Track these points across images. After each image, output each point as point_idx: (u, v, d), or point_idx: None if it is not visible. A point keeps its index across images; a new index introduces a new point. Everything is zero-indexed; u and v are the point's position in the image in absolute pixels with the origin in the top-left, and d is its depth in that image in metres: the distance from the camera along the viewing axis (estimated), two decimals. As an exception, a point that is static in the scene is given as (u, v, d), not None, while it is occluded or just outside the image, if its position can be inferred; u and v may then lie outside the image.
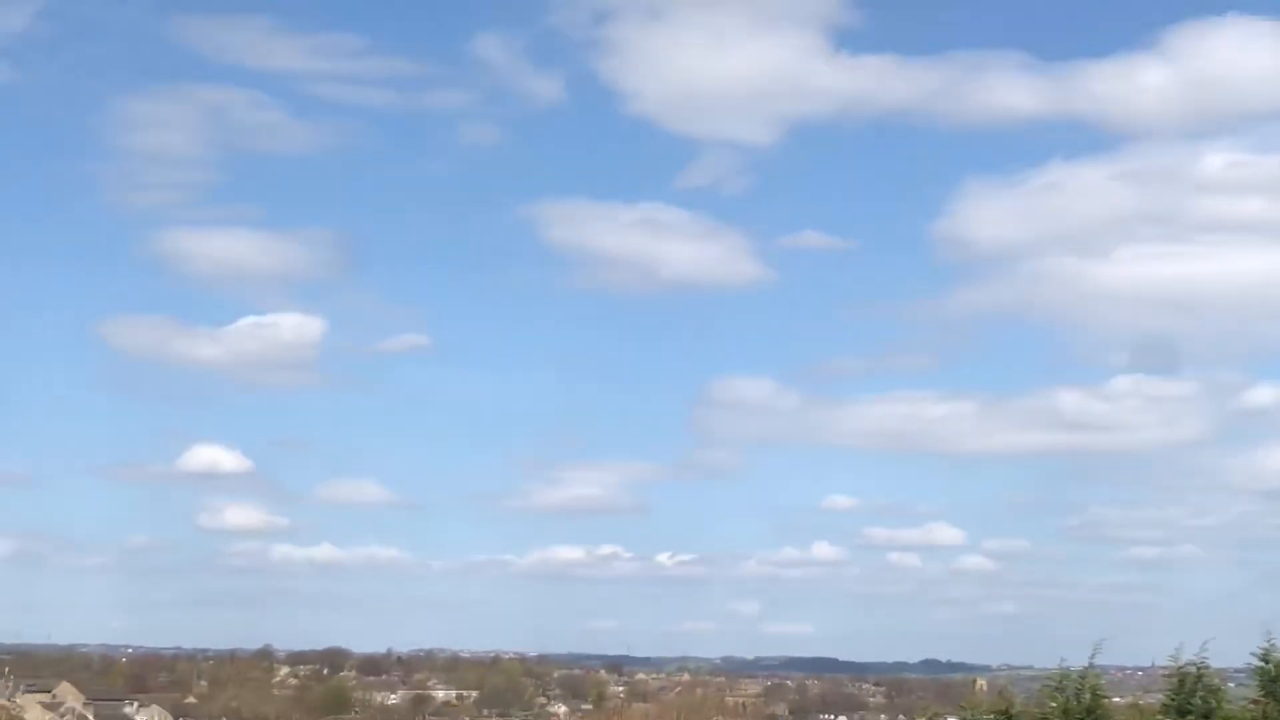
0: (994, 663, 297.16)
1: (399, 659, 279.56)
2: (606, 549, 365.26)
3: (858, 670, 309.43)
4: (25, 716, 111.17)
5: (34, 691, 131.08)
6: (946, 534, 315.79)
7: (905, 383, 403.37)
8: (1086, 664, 34.69)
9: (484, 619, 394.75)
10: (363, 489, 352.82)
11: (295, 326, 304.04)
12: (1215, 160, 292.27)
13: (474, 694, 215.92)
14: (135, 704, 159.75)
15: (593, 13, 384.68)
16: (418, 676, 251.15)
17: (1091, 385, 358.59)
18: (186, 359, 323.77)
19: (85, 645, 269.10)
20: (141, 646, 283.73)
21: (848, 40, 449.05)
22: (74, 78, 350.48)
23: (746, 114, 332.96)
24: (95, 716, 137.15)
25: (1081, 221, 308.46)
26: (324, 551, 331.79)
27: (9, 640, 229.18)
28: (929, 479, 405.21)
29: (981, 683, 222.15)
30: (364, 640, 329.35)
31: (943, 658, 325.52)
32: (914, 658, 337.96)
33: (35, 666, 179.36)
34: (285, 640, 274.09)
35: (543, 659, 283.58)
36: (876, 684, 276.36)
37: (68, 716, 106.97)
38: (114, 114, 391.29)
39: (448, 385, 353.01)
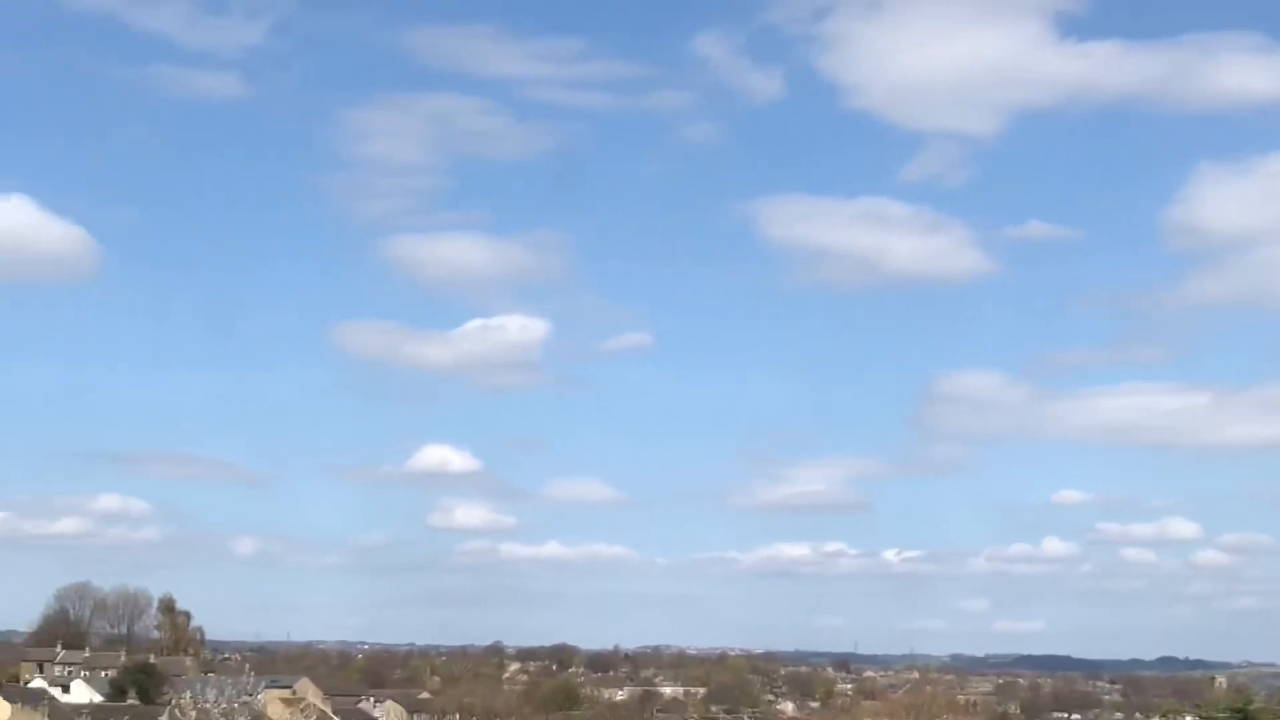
0: (1234, 659, 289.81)
1: (626, 656, 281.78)
2: (831, 546, 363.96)
3: (1091, 668, 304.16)
4: (268, 712, 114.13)
5: (275, 688, 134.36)
6: (1183, 528, 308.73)
7: (1137, 374, 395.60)
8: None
9: (709, 616, 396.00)
10: (588, 487, 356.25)
11: (520, 328, 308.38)
12: None
13: (701, 690, 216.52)
14: (372, 699, 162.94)
15: (812, 8, 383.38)
16: (645, 673, 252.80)
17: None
18: (416, 362, 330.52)
19: (322, 642, 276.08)
20: (376, 643, 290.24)
21: (1074, 27, 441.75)
22: (304, 90, 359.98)
23: (970, 105, 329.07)
24: (334, 712, 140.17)
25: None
26: (551, 549, 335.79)
27: (250, 638, 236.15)
28: (1163, 473, 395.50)
29: (1221, 680, 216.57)
30: (591, 637, 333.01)
31: (1180, 654, 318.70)
32: (1150, 655, 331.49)
33: (275, 663, 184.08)
34: (514, 637, 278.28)
35: (768, 656, 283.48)
36: (1111, 681, 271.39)
37: (308, 712, 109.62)
38: (343, 124, 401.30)
39: (670, 383, 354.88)
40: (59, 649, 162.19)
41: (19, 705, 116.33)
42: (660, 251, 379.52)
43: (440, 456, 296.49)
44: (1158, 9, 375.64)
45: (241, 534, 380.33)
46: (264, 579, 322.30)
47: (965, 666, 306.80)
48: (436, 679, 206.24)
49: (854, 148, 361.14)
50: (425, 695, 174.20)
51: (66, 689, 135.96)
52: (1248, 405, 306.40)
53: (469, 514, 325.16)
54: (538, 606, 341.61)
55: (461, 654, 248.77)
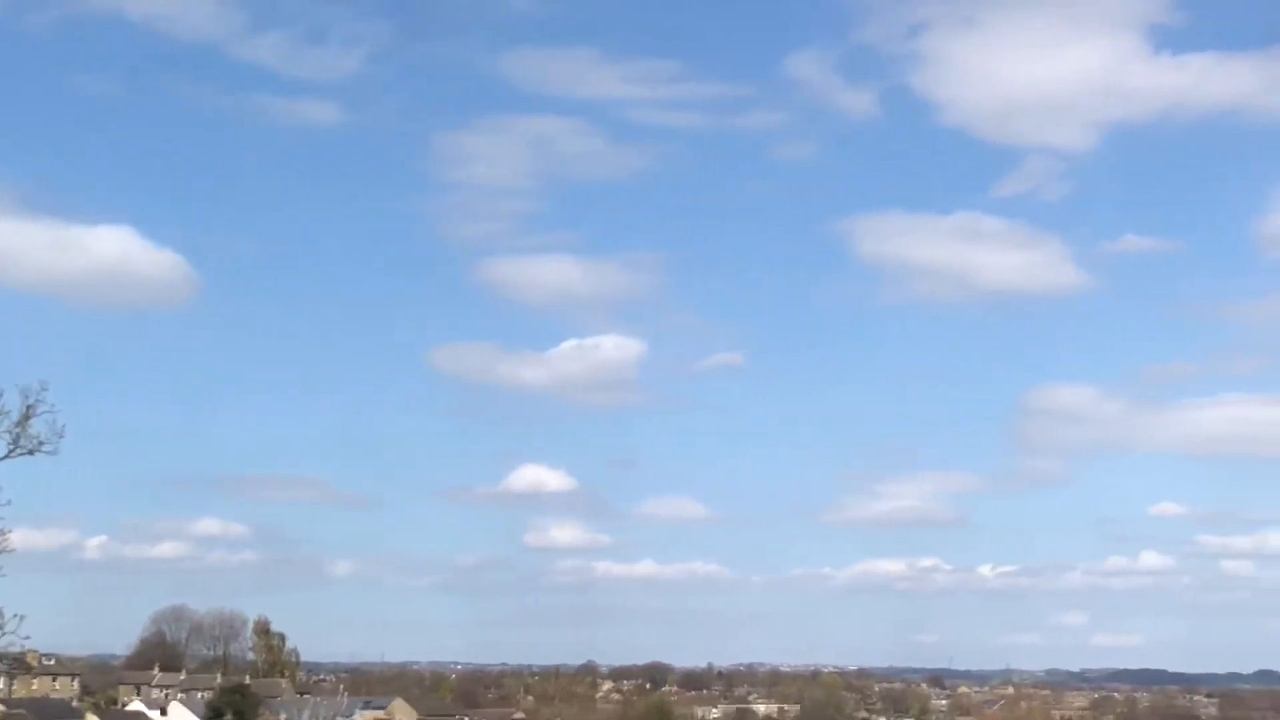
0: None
1: (719, 673, 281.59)
2: (927, 561, 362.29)
3: (1189, 682, 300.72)
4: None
5: (369, 709, 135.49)
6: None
7: (1235, 386, 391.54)
8: None
9: (803, 633, 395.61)
10: (683, 505, 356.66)
11: (616, 348, 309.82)
12: None
13: (795, 708, 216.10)
14: (466, 719, 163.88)
15: (905, 25, 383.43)
16: (738, 691, 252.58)
17: None
18: (512, 383, 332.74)
19: (417, 663, 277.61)
20: (470, 663, 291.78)
21: (1169, 40, 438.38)
22: (402, 116, 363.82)
23: (1064, 120, 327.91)
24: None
25: None
26: (645, 568, 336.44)
27: (346, 660, 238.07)
28: (1263, 485, 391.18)
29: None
30: (685, 655, 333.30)
31: (1279, 668, 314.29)
32: (1248, 668, 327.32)
33: (370, 685, 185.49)
34: (608, 656, 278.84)
35: (862, 673, 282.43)
36: (1209, 695, 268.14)
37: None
38: (441, 149, 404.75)
39: (764, 401, 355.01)
40: (156, 671, 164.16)
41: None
42: (754, 270, 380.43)
43: (536, 476, 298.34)
44: (1252, 19, 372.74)
45: (339, 556, 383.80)
46: (361, 600, 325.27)
47: (1061, 681, 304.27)
48: (530, 698, 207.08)
49: (948, 164, 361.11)
50: (519, 715, 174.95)
51: (164, 711, 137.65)
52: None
53: (564, 533, 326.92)
54: (632, 625, 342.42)
55: (555, 673, 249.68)
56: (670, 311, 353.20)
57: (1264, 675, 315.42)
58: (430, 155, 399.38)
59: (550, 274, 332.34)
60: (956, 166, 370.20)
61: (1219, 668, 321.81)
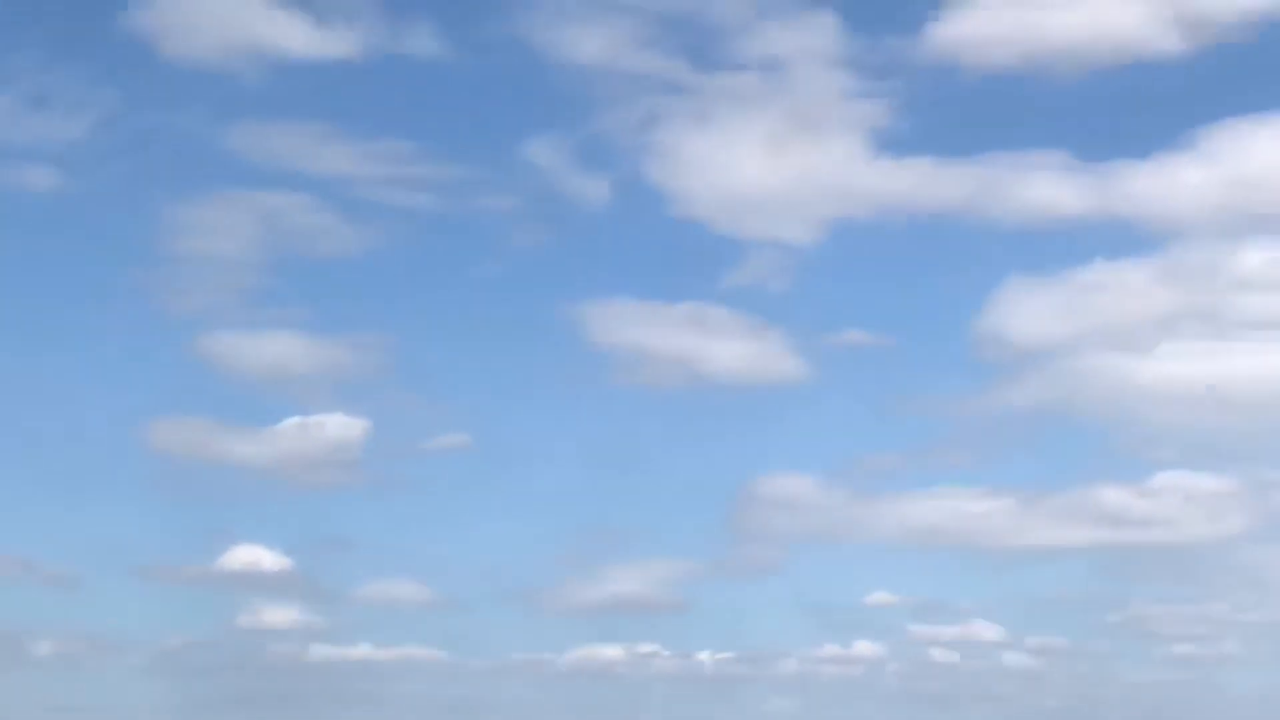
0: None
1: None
2: (646, 647, 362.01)
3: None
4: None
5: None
6: (988, 631, 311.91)
7: (947, 479, 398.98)
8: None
9: (524, 719, 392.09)
10: (403, 588, 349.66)
11: (340, 426, 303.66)
12: (1254, 258, 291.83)
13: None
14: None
15: (642, 117, 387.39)
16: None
17: (1133, 481, 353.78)
18: (231, 459, 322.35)
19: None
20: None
21: (891, 144, 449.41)
22: (128, 185, 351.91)
23: (790, 215, 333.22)
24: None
25: (1123, 319, 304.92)
26: (362, 651, 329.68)
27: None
28: (971, 575, 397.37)
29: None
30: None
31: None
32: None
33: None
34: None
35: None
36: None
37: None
38: (166, 220, 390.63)
39: (489, 483, 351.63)
40: None
41: None
42: (484, 352, 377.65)
43: (251, 556, 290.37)
44: (969, 128, 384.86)
45: (39, 636, 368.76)
46: (65, 682, 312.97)
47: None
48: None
49: (679, 254, 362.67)
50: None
51: None
52: (1051, 510, 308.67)
53: (278, 615, 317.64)
54: (347, 709, 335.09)
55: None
56: (397, 391, 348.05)
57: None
58: (155, 226, 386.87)
59: (275, 349, 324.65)
60: (686, 256, 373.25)
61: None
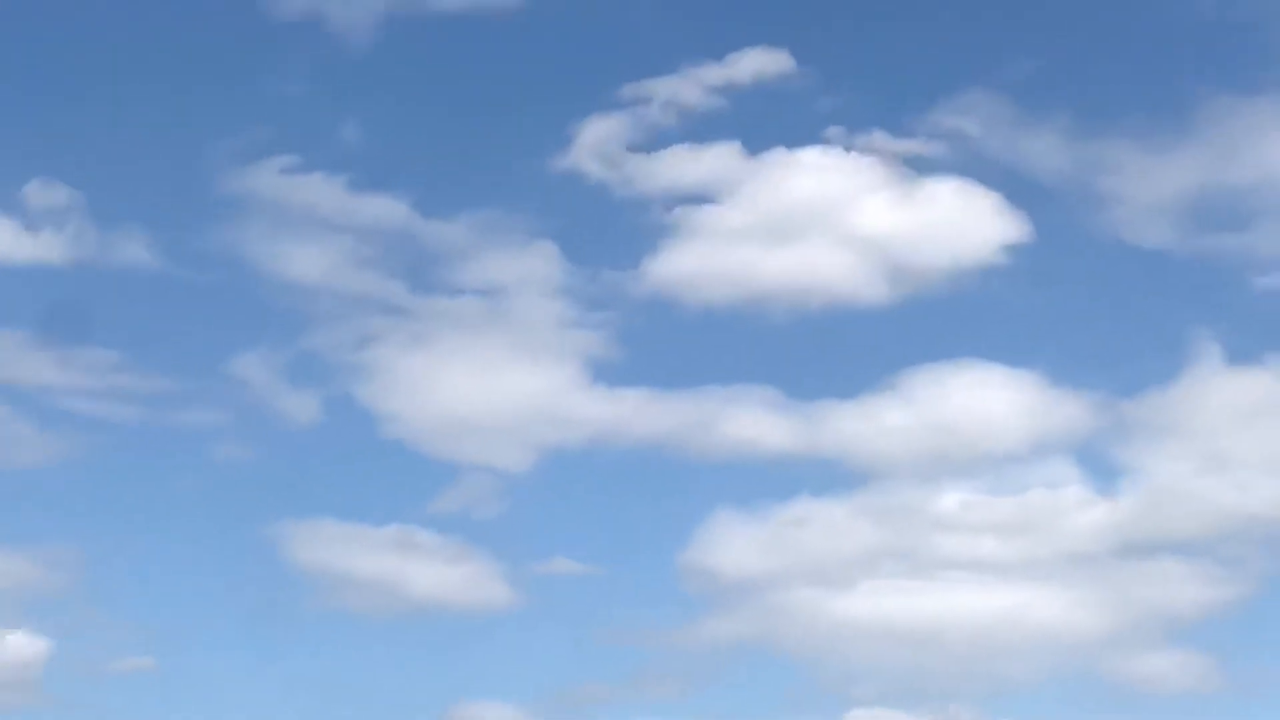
0: None
1: None
2: None
3: None
4: None
5: None
6: None
7: (652, 710, 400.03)
8: None
9: None
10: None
11: (21, 646, 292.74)
12: (951, 499, 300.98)
13: None
14: None
15: (357, 336, 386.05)
16: None
17: (830, 717, 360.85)
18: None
19: None
20: None
21: (605, 373, 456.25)
22: None
23: (503, 440, 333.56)
24: None
25: (826, 555, 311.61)
26: None
27: None
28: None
29: None
30: None
31: None
32: None
33: None
34: None
35: None
36: None
37: None
38: None
39: (174, 709, 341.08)
40: None
41: None
42: (176, 571, 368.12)
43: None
44: (682, 361, 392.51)
45: None
46: None
47: None
48: None
49: (388, 476, 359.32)
50: None
51: None
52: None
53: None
54: None
55: None
56: (83, 609, 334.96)
57: None
58: None
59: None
60: (396, 478, 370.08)
61: None
